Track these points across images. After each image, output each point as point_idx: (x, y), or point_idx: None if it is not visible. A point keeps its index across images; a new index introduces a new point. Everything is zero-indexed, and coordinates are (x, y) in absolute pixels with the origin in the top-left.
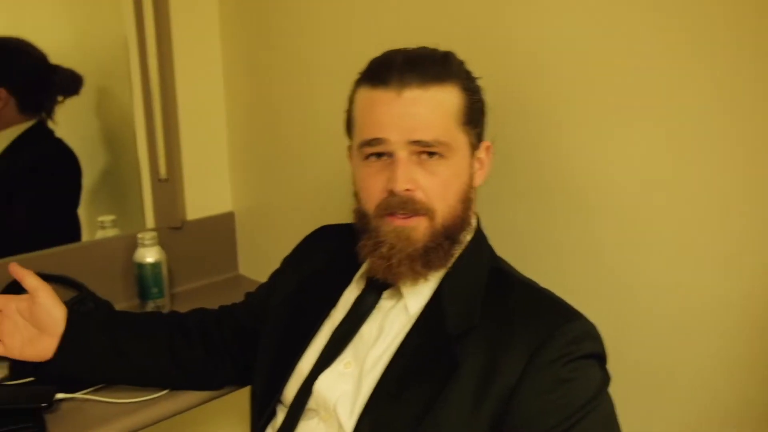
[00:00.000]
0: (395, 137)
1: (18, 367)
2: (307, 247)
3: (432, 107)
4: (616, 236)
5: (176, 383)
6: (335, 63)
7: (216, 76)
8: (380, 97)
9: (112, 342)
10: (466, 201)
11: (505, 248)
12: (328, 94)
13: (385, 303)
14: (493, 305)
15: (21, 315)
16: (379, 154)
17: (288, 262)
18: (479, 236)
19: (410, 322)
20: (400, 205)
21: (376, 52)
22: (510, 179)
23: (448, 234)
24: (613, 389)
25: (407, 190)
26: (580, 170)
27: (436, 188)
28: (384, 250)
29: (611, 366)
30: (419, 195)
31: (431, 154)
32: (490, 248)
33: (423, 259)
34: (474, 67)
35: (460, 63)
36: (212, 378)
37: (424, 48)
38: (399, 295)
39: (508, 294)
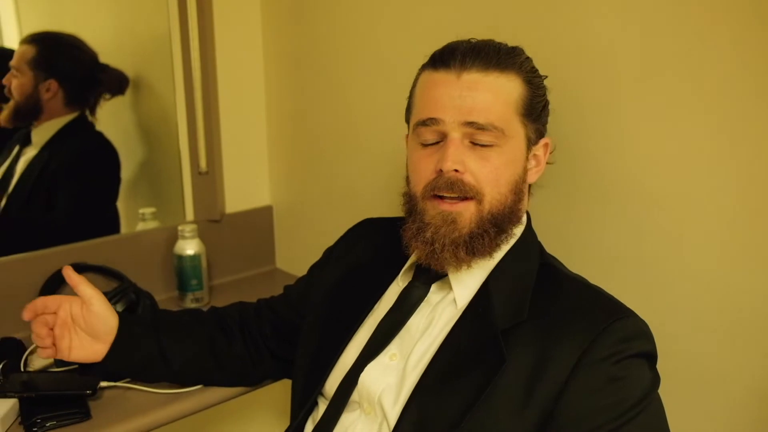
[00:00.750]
0: (450, 117)
1: None
2: (351, 239)
3: (491, 92)
4: (667, 237)
5: (217, 382)
6: (374, 61)
7: (257, 70)
8: (441, 78)
9: (157, 348)
10: (518, 193)
11: (555, 247)
12: (366, 91)
13: (434, 296)
14: (542, 301)
15: (74, 320)
16: (433, 138)
17: (331, 253)
18: (529, 233)
19: (457, 315)
20: (448, 185)
21: (416, 51)
22: (568, 180)
23: (496, 222)
24: (662, 391)
25: (456, 171)
26: (637, 171)
27: (486, 173)
28: (428, 234)
29: (659, 367)
30: (468, 178)
31: (484, 145)
32: (540, 245)
33: (467, 246)
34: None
35: (527, 58)
36: (252, 374)
37: (491, 40)
38: (448, 288)
39: (558, 290)
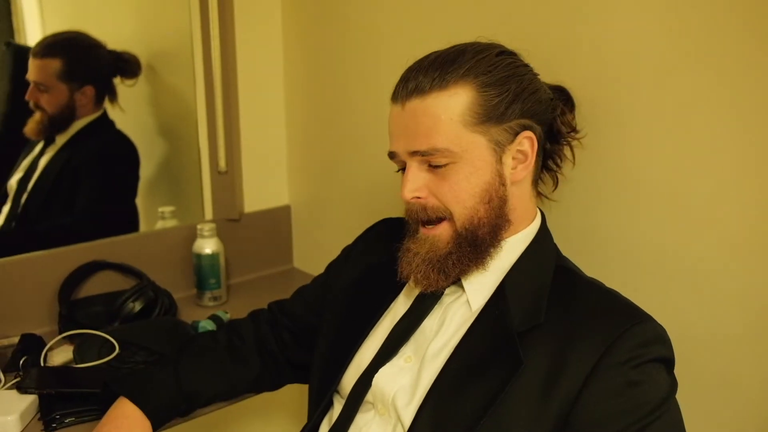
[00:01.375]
0: (401, 148)
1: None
2: (369, 238)
3: (429, 116)
4: (686, 239)
5: (239, 397)
6: (394, 62)
7: (276, 70)
8: (393, 111)
9: (187, 405)
10: (492, 200)
11: (573, 248)
12: (383, 92)
13: (447, 297)
14: (558, 304)
15: None
16: (404, 168)
17: (349, 252)
18: (543, 233)
19: (472, 318)
20: (415, 213)
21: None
22: (594, 179)
23: (472, 237)
24: (679, 397)
25: (417, 198)
26: (657, 172)
27: (446, 192)
28: (405, 254)
29: (676, 371)
30: (432, 201)
31: (440, 166)
32: (555, 246)
33: (438, 266)
34: (558, 66)
35: (478, 59)
36: (272, 385)
37: (443, 51)
38: (461, 289)
39: (575, 293)
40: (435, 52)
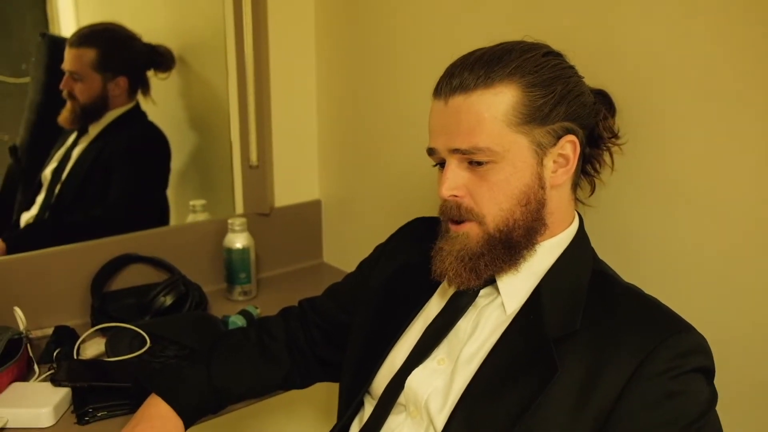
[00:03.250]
0: (442, 146)
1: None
2: (402, 237)
3: (473, 113)
4: (725, 244)
5: (268, 395)
6: (426, 58)
7: (309, 66)
8: (435, 107)
9: (218, 403)
10: (530, 203)
11: (610, 252)
12: (416, 88)
13: (481, 300)
14: (595, 310)
15: None
16: (442, 164)
17: (382, 251)
18: (581, 237)
19: (507, 321)
20: (448, 211)
21: (467, 50)
22: (628, 182)
23: (506, 239)
24: (718, 408)
25: (454, 196)
26: (697, 175)
27: (484, 192)
28: (438, 253)
29: (717, 381)
30: (467, 201)
31: (481, 164)
32: (592, 250)
33: (469, 265)
34: (596, 69)
35: (525, 58)
36: (301, 383)
37: (489, 48)
38: (496, 292)
39: (612, 300)
40: (480, 48)
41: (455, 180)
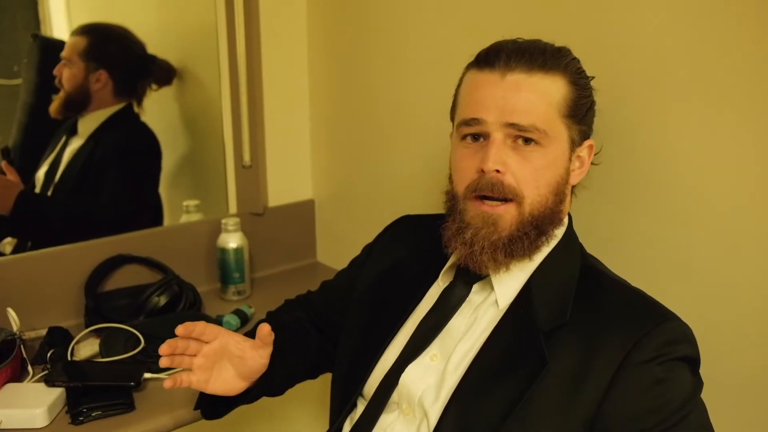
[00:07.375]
0: (492, 118)
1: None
2: (390, 236)
3: (534, 93)
4: (709, 241)
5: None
6: (419, 57)
7: (301, 64)
8: (485, 78)
9: (286, 378)
10: (559, 194)
11: (598, 249)
12: (410, 86)
13: (476, 297)
14: (585, 302)
15: (229, 360)
16: (476, 137)
17: (370, 250)
18: (570, 234)
19: (498, 316)
20: (489, 186)
21: (460, 49)
22: (610, 182)
23: (537, 224)
24: (705, 397)
25: (497, 171)
26: (678, 174)
27: (527, 174)
28: (468, 235)
29: (703, 372)
30: (509, 179)
31: (527, 140)
32: (581, 246)
33: (506, 249)
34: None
35: (573, 58)
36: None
37: (538, 40)
38: (490, 288)
39: (601, 292)
40: (526, 39)
41: (500, 155)
